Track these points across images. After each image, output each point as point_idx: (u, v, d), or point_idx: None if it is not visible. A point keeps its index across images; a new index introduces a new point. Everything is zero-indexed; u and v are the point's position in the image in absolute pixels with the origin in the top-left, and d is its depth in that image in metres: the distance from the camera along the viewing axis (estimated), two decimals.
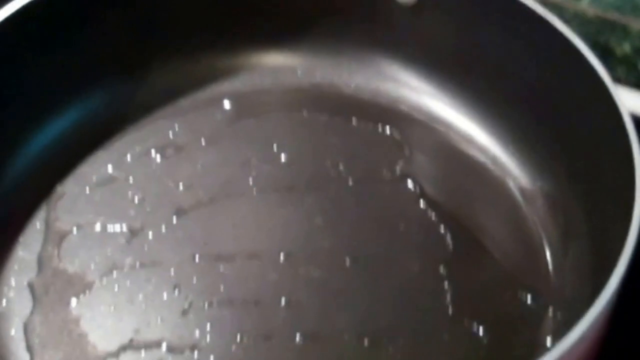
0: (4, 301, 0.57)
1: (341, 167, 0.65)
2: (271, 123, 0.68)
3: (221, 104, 0.69)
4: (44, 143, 0.65)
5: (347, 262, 0.59)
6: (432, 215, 0.62)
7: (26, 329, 0.55)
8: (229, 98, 0.70)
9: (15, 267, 0.59)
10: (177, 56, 0.70)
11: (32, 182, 0.63)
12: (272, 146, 0.66)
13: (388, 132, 0.67)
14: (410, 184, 0.64)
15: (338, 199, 0.63)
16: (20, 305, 0.57)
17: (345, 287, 0.58)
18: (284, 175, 0.64)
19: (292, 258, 0.59)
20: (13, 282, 0.58)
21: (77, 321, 0.56)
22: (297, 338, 0.54)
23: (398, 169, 0.65)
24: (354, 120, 0.68)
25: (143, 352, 0.54)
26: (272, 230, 0.61)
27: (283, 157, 0.65)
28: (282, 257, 0.58)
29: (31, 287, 0.57)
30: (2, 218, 0.61)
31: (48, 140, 0.65)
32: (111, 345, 0.54)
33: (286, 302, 0.56)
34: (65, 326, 0.55)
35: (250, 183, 0.64)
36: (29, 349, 0.54)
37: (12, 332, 0.55)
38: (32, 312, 0.56)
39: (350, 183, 0.64)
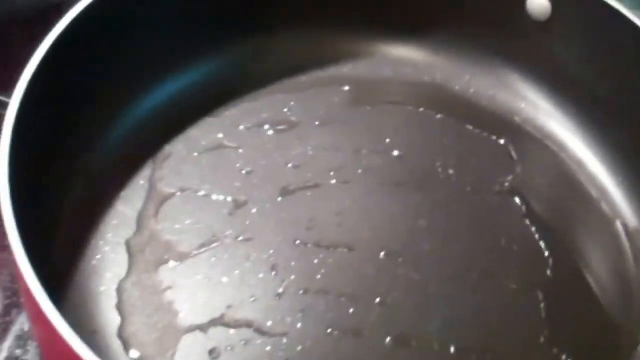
0: (98, 255, 0.57)
1: (451, 171, 0.64)
2: (387, 114, 0.68)
3: (340, 87, 0.69)
4: (157, 103, 0.65)
5: (446, 269, 0.58)
6: (536, 236, 0.60)
7: (118, 288, 0.55)
8: (349, 82, 0.69)
9: (114, 222, 0.58)
10: (303, 31, 0.69)
11: (141, 139, 0.63)
12: (385, 138, 0.65)
13: (502, 142, 0.66)
14: (518, 200, 0.62)
15: (444, 203, 0.62)
16: (114, 262, 0.56)
17: (441, 294, 0.57)
18: (393, 170, 0.64)
19: (392, 257, 0.58)
20: (110, 237, 0.57)
21: (169, 289, 0.55)
22: (387, 340, 0.54)
23: (508, 183, 0.64)
24: (469, 125, 0.67)
25: (232, 331, 0.53)
26: (376, 225, 0.60)
27: (395, 151, 0.65)
28: (382, 255, 0.58)
29: (128, 245, 0.57)
30: (107, 171, 0.61)
31: (162, 100, 0.65)
32: (201, 318, 0.54)
33: (381, 301, 0.55)
34: (156, 292, 0.55)
35: (359, 172, 0.63)
36: (118, 309, 0.54)
37: (103, 288, 0.55)
38: (125, 272, 0.56)
39: (458, 189, 0.63)
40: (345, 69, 0.70)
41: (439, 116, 0.68)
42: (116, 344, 0.52)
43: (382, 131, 0.66)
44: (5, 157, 0.48)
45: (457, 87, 0.70)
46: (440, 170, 0.64)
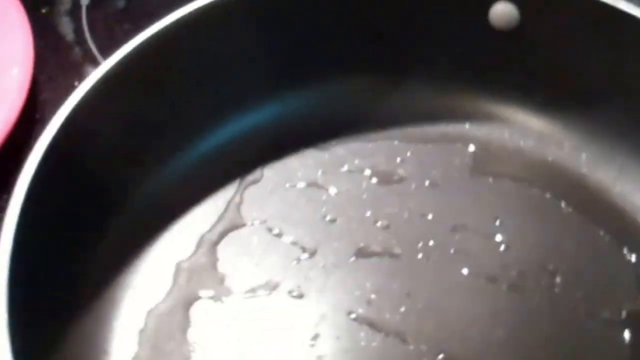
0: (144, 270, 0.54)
1: (558, 279, 0.54)
2: (506, 191, 0.59)
3: (465, 148, 0.61)
4: (262, 121, 0.61)
5: None
6: None
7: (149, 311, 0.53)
8: (476, 144, 0.61)
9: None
10: (439, 79, 0.62)
11: (236, 157, 0.60)
12: (495, 219, 0.57)
13: (633, 260, 0.56)
14: (627, 335, 0.52)
15: (535, 316, 0.53)
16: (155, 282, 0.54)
17: None
18: (491, 259, 0.55)
19: None
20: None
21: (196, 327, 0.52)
22: None
23: (624, 311, 0.53)
24: (602, 231, 0.57)
25: None
26: (445, 320, 0.52)
27: (500, 237, 0.56)
28: (439, 358, 0.50)
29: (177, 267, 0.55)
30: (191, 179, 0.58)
31: (267, 119, 0.61)
32: None
33: None
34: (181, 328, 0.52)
35: (451, 252, 0.55)
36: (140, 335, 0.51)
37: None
38: (163, 296, 0.53)
39: (559, 303, 0.54)
40: (476, 130, 0.62)
41: (568, 209, 0.58)
42: None
43: (492, 208, 0.58)
44: None
45: (602, 180, 0.60)
46: (546, 274, 0.55)
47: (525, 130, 0.62)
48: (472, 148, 0.61)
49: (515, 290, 0.54)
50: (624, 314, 0.53)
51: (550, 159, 0.61)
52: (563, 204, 0.58)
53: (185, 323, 0.51)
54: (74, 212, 0.51)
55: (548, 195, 0.59)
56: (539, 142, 0.62)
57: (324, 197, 0.58)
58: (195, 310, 0.52)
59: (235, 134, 0.60)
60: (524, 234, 0.57)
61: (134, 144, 0.55)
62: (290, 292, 0.53)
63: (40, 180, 0.46)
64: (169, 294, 0.53)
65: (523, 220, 0.58)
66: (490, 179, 0.60)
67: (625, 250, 0.56)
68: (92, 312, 0.51)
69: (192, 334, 0.51)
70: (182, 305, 0.52)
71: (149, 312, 0.52)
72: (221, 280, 0.54)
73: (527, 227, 0.57)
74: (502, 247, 0.56)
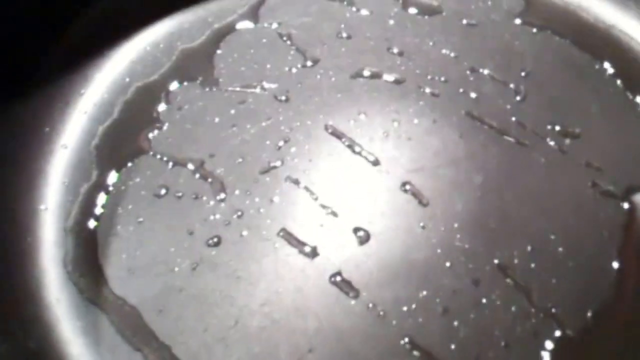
0: None
1: (568, 141, 0.51)
2: (544, 42, 0.55)
3: None
4: None
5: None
6: None
7: None
8: None
9: None
10: None
11: None
12: (521, 68, 0.53)
13: None
14: (626, 206, 0.48)
15: (534, 169, 0.50)
16: None
17: None
18: (502, 107, 0.52)
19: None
20: None
21: None
22: None
23: (625, 186, 0.49)
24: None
25: None
26: (423, 155, 0.50)
27: (519, 87, 0.53)
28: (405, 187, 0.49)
29: None
30: None
31: None
32: None
33: None
34: None
35: (460, 91, 0.53)
36: None
37: None
38: None
39: (562, 162, 0.50)
40: None
41: (607, 74, 0.53)
42: None
43: (523, 60, 0.54)
44: None
45: None
46: (556, 133, 0.51)
47: None
48: None
49: (518, 143, 0.51)
50: (624, 188, 0.49)
51: (608, 25, 0.55)
52: (604, 70, 0.53)
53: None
54: None
55: (589, 57, 0.54)
56: (601, 6, 0.56)
57: (348, 14, 0.56)
58: (180, 91, 0.53)
59: None
60: (547, 90, 0.53)
61: None
62: (277, 95, 0.53)
63: None
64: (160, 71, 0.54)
65: (552, 76, 0.53)
66: (534, 29, 0.55)
67: None
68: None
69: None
70: (168, 83, 0.54)
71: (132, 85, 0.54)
72: (213, 70, 0.54)
73: (553, 84, 0.53)
74: (517, 97, 0.52)
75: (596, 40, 0.55)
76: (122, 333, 0.45)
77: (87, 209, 0.49)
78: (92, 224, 0.48)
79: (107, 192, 0.49)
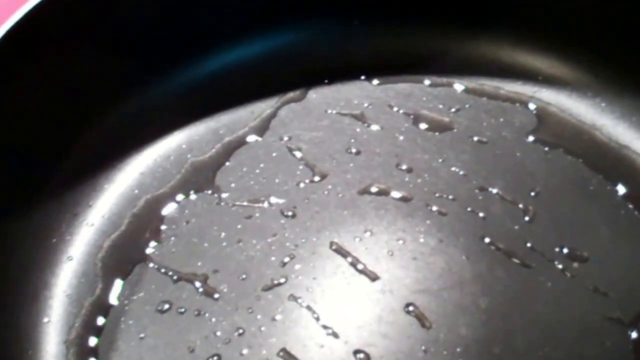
0: None
1: (576, 265, 0.50)
2: (555, 162, 0.55)
3: (527, 111, 0.57)
4: None
5: None
6: None
7: None
8: (540, 109, 0.57)
9: None
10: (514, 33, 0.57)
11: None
12: (531, 188, 0.53)
13: None
14: (634, 335, 0.46)
15: (540, 294, 0.49)
16: None
17: None
18: (510, 228, 0.51)
19: None
20: None
21: None
22: None
23: (633, 314, 0.48)
24: None
25: None
26: (426, 277, 0.50)
27: (528, 207, 0.52)
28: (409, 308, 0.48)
29: None
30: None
31: None
32: None
33: None
34: None
35: (467, 210, 0.52)
36: None
37: None
38: None
39: (569, 286, 0.49)
40: (546, 94, 0.58)
41: (618, 198, 0.53)
42: None
43: (534, 180, 0.54)
44: None
45: None
46: (564, 257, 0.50)
47: (597, 106, 0.57)
48: (534, 112, 0.57)
49: (525, 266, 0.50)
50: (632, 316, 0.47)
51: (621, 145, 0.55)
52: (615, 192, 0.53)
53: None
54: None
55: (600, 178, 0.53)
56: (615, 126, 0.56)
57: (359, 129, 0.57)
58: (188, 203, 0.54)
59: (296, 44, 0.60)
60: (556, 211, 0.52)
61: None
62: (283, 210, 0.53)
63: None
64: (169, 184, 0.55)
65: (562, 197, 0.53)
66: (546, 148, 0.55)
67: None
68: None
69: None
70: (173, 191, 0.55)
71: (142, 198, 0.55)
72: (221, 184, 0.55)
73: (563, 204, 0.52)
74: (526, 218, 0.52)
75: (609, 161, 0.54)
76: None
77: (89, 322, 0.49)
78: (93, 338, 0.48)
79: (110, 306, 0.50)
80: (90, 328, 0.49)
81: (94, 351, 0.48)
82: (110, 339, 0.48)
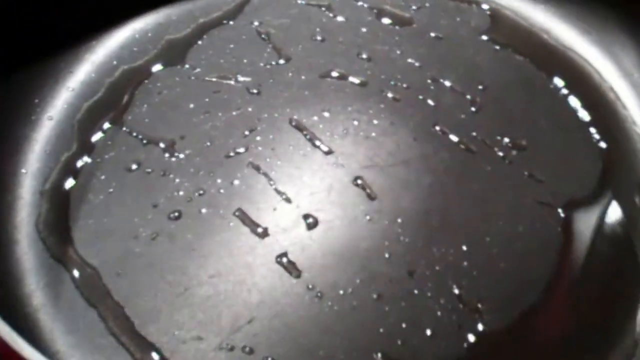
0: None
1: (514, 152, 0.55)
2: (504, 60, 0.59)
3: (482, 12, 0.62)
4: None
5: None
6: None
7: None
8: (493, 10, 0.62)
9: None
10: None
11: None
12: (479, 82, 0.58)
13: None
14: (562, 214, 0.51)
15: (477, 177, 0.54)
16: None
17: None
18: (457, 116, 0.56)
19: None
20: None
21: None
22: None
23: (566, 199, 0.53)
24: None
25: None
26: (377, 153, 0.54)
27: (475, 98, 0.57)
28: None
29: None
30: None
31: None
32: None
33: None
34: None
35: (419, 98, 0.57)
36: None
37: None
38: None
39: (505, 172, 0.54)
40: None
41: (562, 93, 0.58)
42: None
43: (483, 75, 0.59)
44: None
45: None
46: (504, 145, 0.55)
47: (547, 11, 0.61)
48: (489, 13, 0.61)
49: (468, 150, 0.54)
50: (563, 201, 0.53)
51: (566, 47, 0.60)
52: (557, 88, 0.57)
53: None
54: None
55: (544, 76, 0.58)
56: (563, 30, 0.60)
57: (325, 19, 0.61)
58: (161, 75, 0.58)
59: None
60: (501, 104, 0.57)
61: None
62: (249, 87, 0.57)
63: None
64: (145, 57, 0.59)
65: (507, 92, 0.58)
66: (497, 47, 0.59)
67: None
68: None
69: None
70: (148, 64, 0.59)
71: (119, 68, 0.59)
72: (193, 60, 0.59)
73: (508, 99, 0.57)
74: (473, 109, 0.56)
75: (553, 61, 0.59)
76: (81, 290, 0.49)
77: (64, 176, 0.53)
78: (66, 190, 0.53)
79: (84, 163, 0.54)
80: (64, 181, 0.53)
81: (65, 201, 0.52)
82: (81, 192, 0.53)
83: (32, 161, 0.54)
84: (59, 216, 0.52)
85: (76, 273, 0.50)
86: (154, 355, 0.47)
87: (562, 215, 0.52)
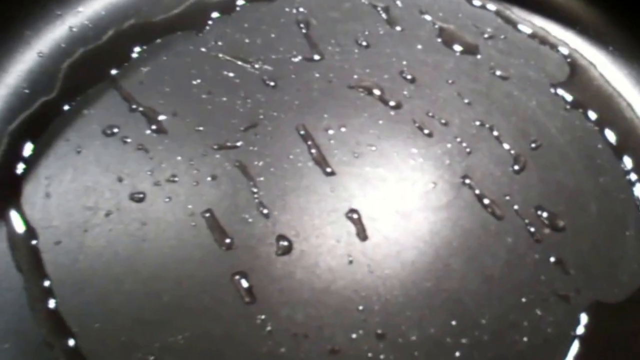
0: None
1: None
2: None
3: None
4: None
5: None
6: None
7: None
8: None
9: None
10: None
11: None
12: None
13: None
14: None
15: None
16: None
17: None
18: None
19: None
20: None
21: None
22: None
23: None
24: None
25: None
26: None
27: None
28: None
29: None
30: None
31: None
32: None
33: None
34: None
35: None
36: None
37: None
38: None
39: None
40: None
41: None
42: None
43: None
44: None
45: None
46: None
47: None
48: (569, 60, 0.52)
49: (493, 214, 0.45)
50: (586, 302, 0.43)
51: None
52: (626, 170, 0.47)
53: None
54: None
55: (611, 154, 0.48)
56: None
57: (378, 24, 0.53)
58: (174, 39, 0.51)
59: None
60: (550, 171, 0.47)
61: None
62: (265, 78, 0.49)
63: None
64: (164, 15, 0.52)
65: (562, 158, 0.48)
66: (567, 104, 0.50)
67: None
68: None
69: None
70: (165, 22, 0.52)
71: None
72: (217, 31, 0.52)
73: (560, 166, 0.47)
74: (515, 167, 0.47)
75: (629, 139, 0.49)
76: (12, 248, 0.43)
77: (34, 122, 0.47)
78: (31, 137, 0.47)
79: (60, 112, 0.47)
80: (32, 127, 0.47)
81: (24, 150, 0.46)
82: (48, 144, 0.46)
83: (5, 97, 0.48)
84: (15, 161, 0.46)
85: (14, 230, 0.43)
86: (70, 341, 0.41)
87: (580, 318, 0.42)
